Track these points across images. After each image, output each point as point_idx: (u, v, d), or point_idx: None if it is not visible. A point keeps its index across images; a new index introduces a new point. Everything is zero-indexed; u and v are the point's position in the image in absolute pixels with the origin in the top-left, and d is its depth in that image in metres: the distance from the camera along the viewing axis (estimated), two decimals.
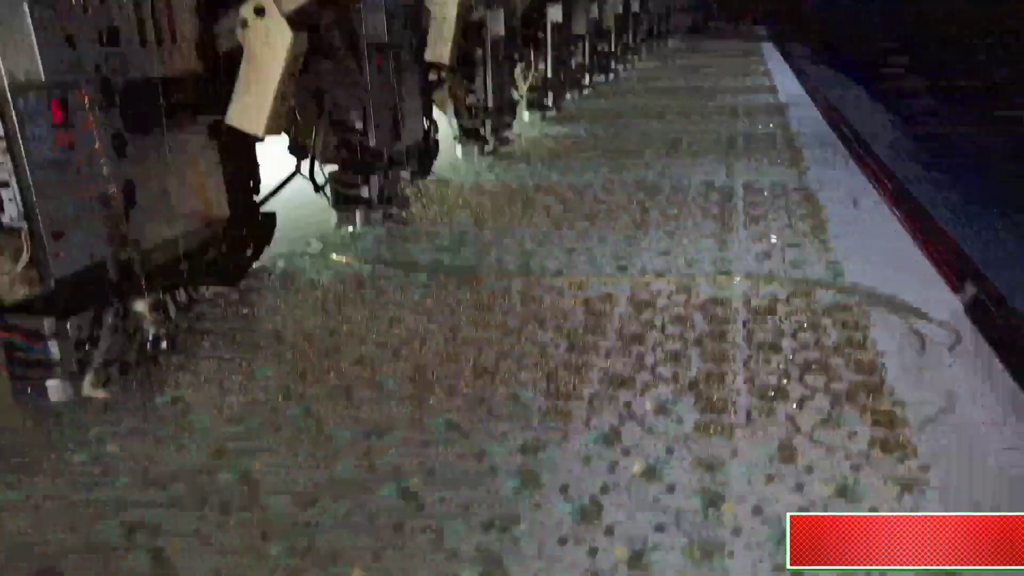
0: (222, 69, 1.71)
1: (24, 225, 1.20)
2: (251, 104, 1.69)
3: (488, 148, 3.48)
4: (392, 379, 1.42)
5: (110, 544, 1.01)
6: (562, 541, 0.99)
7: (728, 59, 8.68)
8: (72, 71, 1.16)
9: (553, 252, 2.11)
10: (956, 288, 1.71)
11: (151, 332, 1.42)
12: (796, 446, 1.16)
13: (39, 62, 1.10)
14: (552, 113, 4.62)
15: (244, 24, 1.67)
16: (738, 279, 1.82)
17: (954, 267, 1.82)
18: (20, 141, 1.14)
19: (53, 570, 0.98)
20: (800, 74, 7.01)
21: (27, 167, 1.16)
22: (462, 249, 2.17)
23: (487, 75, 3.35)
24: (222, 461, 1.19)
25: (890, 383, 1.33)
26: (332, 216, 2.45)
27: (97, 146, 1.27)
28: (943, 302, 1.66)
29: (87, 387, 1.29)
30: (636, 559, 0.95)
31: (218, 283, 1.76)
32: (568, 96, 5.19)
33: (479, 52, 3.31)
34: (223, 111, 1.71)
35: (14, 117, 1.13)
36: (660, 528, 1.00)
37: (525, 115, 4.44)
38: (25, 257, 1.23)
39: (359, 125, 2.33)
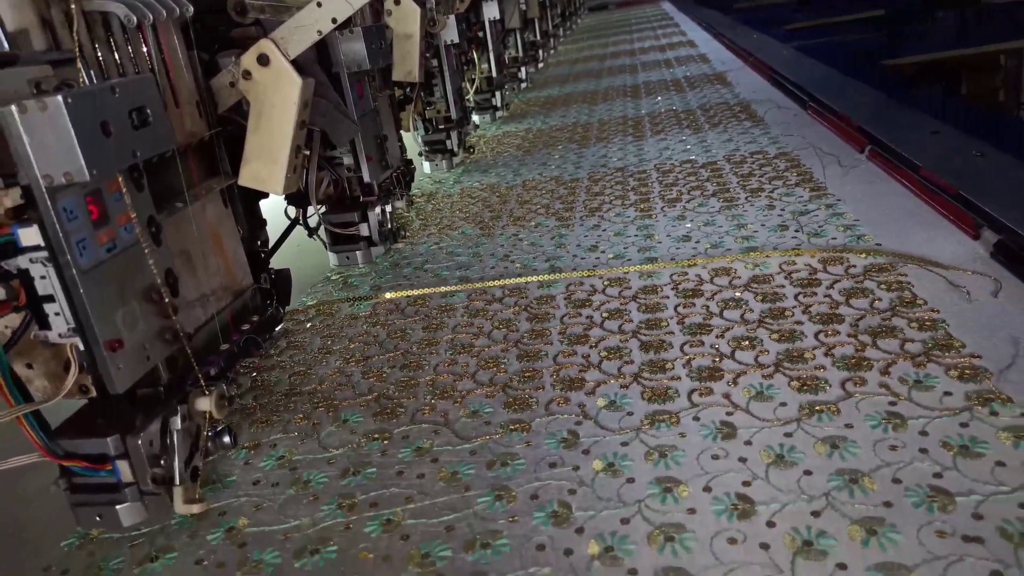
0: (225, 128, 1.62)
1: (74, 339, 1.07)
2: (266, 161, 1.62)
3: (457, 160, 3.48)
4: (488, 408, 1.42)
5: None
6: None
7: (640, 27, 8.83)
8: (110, 162, 1.02)
9: (582, 244, 2.13)
10: (975, 235, 1.79)
11: (217, 428, 1.30)
12: (902, 412, 1.21)
13: (81, 160, 0.94)
14: (502, 113, 4.63)
15: (247, 75, 1.61)
16: (768, 255, 1.87)
17: (962, 214, 1.91)
18: (65, 250, 1.00)
19: None
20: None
21: (75, 277, 1.02)
22: (486, 259, 2.17)
23: (446, 85, 3.34)
24: (357, 516, 1.17)
25: (957, 337, 1.40)
26: (328, 258, 2.42)
27: (137, 238, 1.14)
28: (966, 248, 1.75)
29: (180, 504, 1.18)
30: None
31: (252, 355, 1.67)
32: (509, 92, 5.21)
33: (435, 63, 3.30)
34: (235, 172, 1.64)
35: (56, 224, 0.99)
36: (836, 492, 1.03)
37: (476, 119, 4.44)
38: (75, 370, 1.11)
39: (348, 160, 2.31)
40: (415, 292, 2.02)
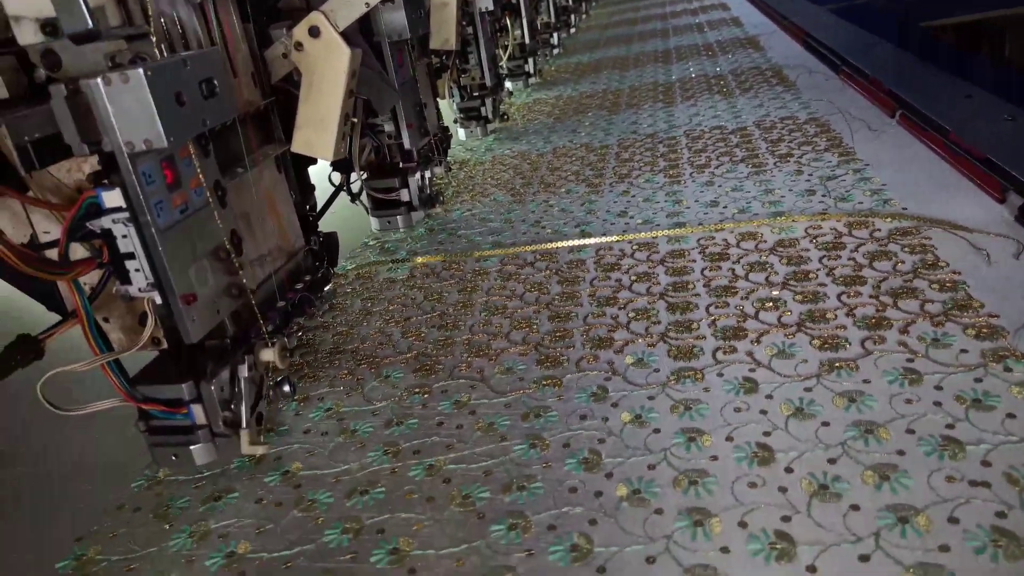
0: (278, 97, 1.70)
1: (152, 293, 1.15)
2: (317, 128, 1.69)
3: (492, 127, 3.53)
4: (522, 365, 1.50)
5: None
6: None
7: None
8: (183, 130, 1.09)
9: (612, 209, 2.19)
10: (1001, 199, 1.82)
11: (279, 378, 1.39)
12: (918, 369, 1.27)
13: (160, 128, 1.02)
14: (535, 80, 4.65)
15: (299, 47, 1.68)
16: (794, 219, 1.92)
17: (988, 178, 1.93)
18: (145, 210, 1.09)
19: None
20: None
21: (154, 236, 1.10)
22: (517, 224, 2.24)
23: (481, 53, 3.38)
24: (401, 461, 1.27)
25: (976, 297, 1.44)
26: (369, 223, 2.51)
27: (207, 200, 1.23)
28: (991, 212, 1.78)
29: (246, 445, 1.28)
30: None
31: (305, 312, 1.76)
32: (541, 58, 5.22)
33: (470, 31, 3.34)
34: (287, 140, 1.72)
35: (136, 187, 1.07)
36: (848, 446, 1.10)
37: (509, 86, 4.47)
38: (151, 322, 1.21)
39: (389, 127, 2.39)
40: (450, 257, 2.10)
